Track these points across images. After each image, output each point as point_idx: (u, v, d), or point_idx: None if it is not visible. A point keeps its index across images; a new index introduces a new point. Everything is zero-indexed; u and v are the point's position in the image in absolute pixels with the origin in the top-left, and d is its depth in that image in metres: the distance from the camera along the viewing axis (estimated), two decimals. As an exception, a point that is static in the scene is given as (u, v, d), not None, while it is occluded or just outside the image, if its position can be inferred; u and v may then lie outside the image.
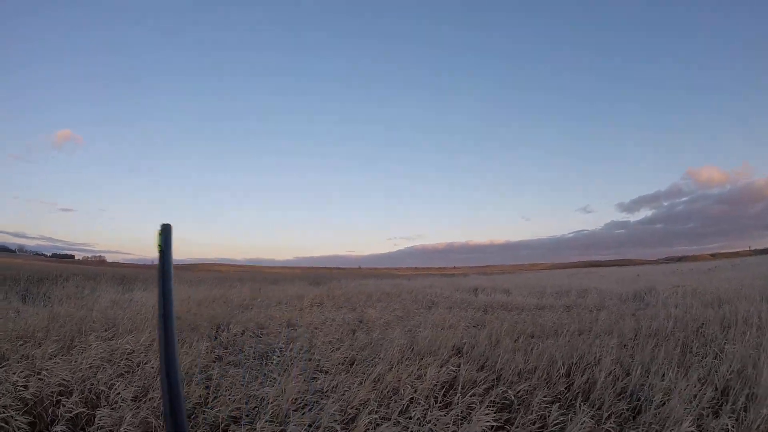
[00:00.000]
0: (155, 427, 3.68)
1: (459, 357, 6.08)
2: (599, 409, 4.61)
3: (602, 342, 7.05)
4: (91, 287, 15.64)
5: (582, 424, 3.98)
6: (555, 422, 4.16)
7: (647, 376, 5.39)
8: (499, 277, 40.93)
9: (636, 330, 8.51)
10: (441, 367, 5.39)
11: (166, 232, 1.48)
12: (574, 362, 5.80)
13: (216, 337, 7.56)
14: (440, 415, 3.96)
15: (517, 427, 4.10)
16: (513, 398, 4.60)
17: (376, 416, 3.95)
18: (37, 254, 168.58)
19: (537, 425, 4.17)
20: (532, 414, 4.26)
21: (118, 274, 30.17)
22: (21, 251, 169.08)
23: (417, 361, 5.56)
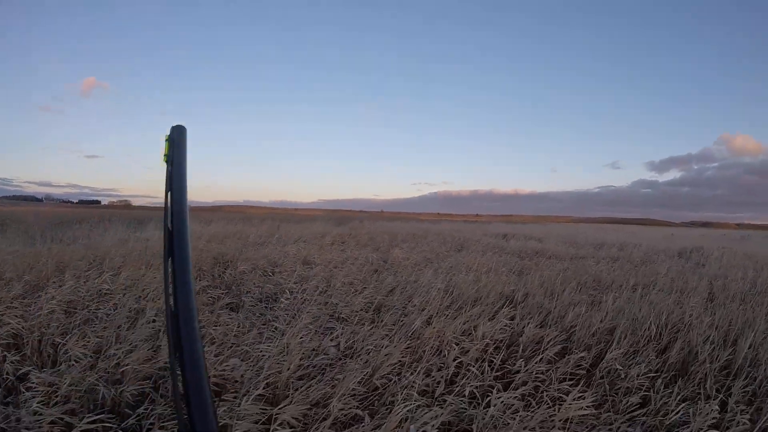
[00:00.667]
0: (104, 397, 2.58)
1: (512, 308, 4.83)
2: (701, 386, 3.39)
3: (680, 300, 5.77)
4: (104, 228, 14.86)
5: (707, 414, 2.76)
6: (665, 406, 2.94)
7: (752, 349, 4.09)
8: (526, 226, 39.32)
9: (710, 290, 7.15)
10: (491, 319, 4.19)
11: (179, 136, 1.07)
12: (662, 323, 4.52)
13: (221, 275, 6.48)
14: (509, 398, 2.74)
15: (609, 413, 2.89)
16: (602, 368, 3.37)
17: (414, 392, 2.76)
18: (64, 201, 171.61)
19: (638, 409, 2.96)
20: (632, 394, 3.02)
21: (140, 216, 29.69)
22: (48, 199, 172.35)
23: (461, 312, 4.34)
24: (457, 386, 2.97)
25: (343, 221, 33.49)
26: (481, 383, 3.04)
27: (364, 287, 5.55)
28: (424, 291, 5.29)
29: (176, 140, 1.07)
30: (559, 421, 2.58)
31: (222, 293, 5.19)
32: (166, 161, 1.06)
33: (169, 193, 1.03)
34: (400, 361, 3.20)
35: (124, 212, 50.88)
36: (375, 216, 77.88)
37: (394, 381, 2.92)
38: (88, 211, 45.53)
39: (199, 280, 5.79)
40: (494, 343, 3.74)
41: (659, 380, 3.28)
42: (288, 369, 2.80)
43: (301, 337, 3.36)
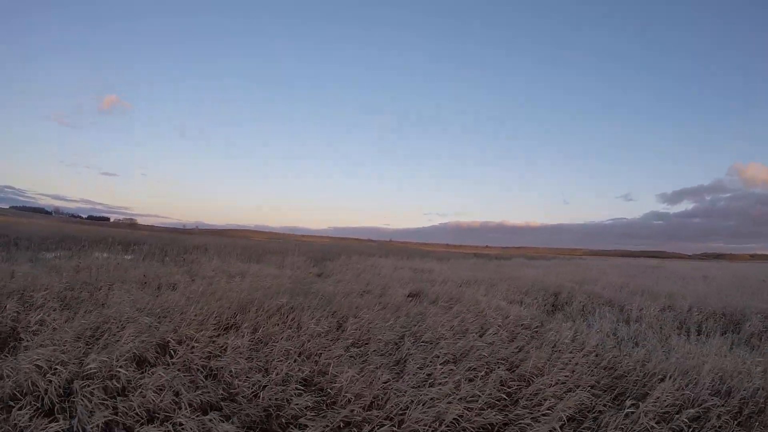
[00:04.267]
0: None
1: None
2: None
3: None
4: None
5: None
6: None
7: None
8: (550, 263, 30.74)
9: None
10: None
11: None
12: None
13: None
14: None
15: None
16: None
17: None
18: (73, 216, 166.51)
19: None
20: None
21: (120, 237, 23.23)
22: (57, 213, 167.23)
23: None
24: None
25: (328, 255, 25.61)
26: None
27: None
28: None
29: None
30: None
31: None
32: None
33: None
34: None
35: (120, 232, 44.58)
36: (382, 247, 69.43)
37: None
38: (87, 229, 39.64)
39: None
40: None
41: None
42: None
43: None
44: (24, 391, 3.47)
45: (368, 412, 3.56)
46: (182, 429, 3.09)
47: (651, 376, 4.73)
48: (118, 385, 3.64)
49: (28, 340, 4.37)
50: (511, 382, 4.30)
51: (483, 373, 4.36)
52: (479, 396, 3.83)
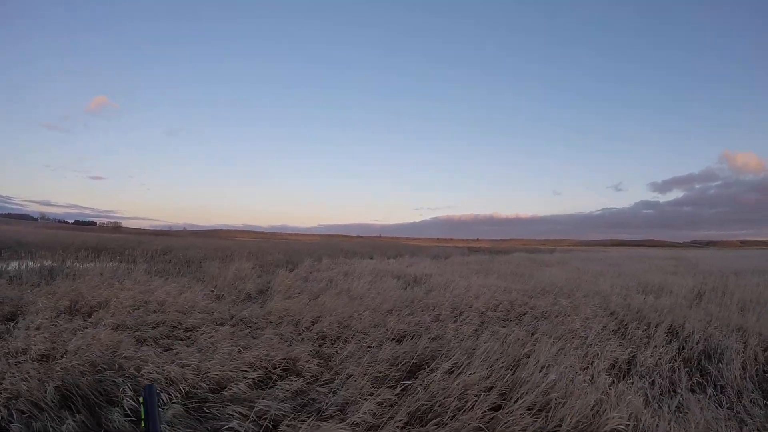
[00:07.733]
0: None
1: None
2: None
3: None
4: None
5: None
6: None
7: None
8: (553, 257, 24.39)
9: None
10: None
11: (150, 395, 1.28)
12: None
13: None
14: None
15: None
16: None
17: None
18: (60, 221, 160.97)
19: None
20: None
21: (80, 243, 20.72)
22: (43, 219, 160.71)
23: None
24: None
25: (296, 258, 19.82)
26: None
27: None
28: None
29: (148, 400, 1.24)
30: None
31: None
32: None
33: None
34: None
35: (100, 235, 39.87)
36: (370, 243, 63.12)
37: None
38: (65, 234, 35.58)
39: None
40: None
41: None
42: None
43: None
44: None
45: None
46: None
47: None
48: None
49: None
50: None
51: None
52: None
